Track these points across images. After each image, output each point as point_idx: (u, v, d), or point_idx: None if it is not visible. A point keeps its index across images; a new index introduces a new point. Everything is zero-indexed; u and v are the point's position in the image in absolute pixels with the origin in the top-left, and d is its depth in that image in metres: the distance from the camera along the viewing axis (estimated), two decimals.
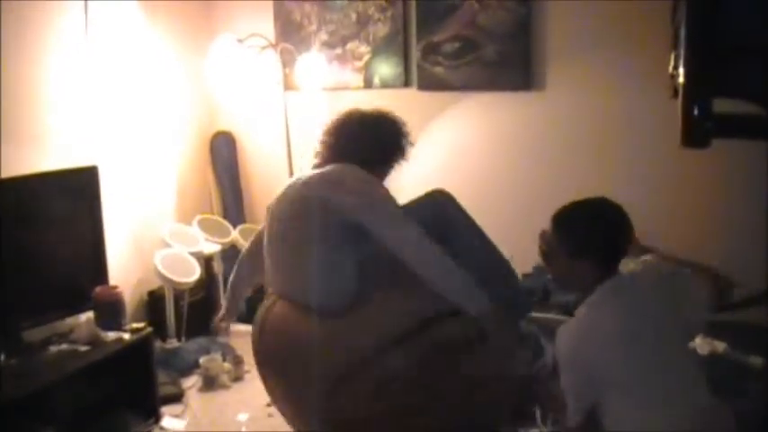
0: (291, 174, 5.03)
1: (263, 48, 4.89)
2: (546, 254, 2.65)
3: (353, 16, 5.00)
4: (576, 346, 2.42)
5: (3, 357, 3.40)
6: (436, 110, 4.89)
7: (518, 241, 4.80)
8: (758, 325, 3.76)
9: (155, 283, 4.67)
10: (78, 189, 3.95)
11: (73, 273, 3.94)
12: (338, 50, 5.08)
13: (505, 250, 4.64)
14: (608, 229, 2.50)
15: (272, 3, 5.24)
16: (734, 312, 3.93)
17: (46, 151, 4.01)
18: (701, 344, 3.34)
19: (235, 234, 5.00)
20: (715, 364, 3.19)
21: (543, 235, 2.66)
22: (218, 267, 4.97)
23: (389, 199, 2.85)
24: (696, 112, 2.04)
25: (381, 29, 4.93)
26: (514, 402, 3.73)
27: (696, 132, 2.15)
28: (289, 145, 5.02)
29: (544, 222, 4.61)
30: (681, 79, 2.05)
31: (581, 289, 2.54)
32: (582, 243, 2.49)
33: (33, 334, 3.64)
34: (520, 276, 4.70)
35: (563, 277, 2.64)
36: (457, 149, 4.91)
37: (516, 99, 4.65)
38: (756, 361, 3.21)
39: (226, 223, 5.11)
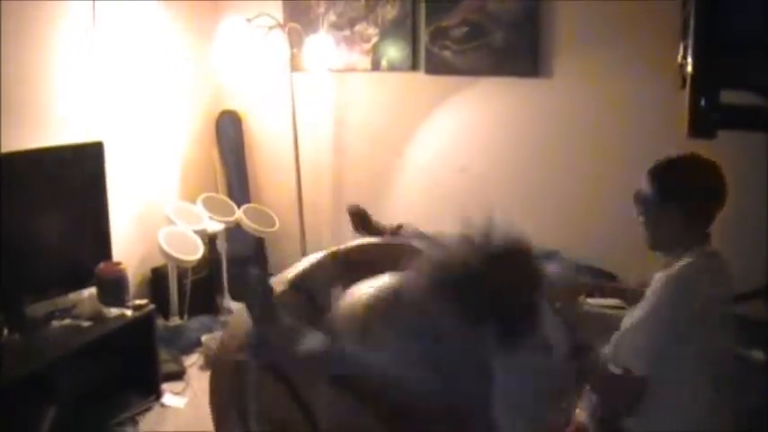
0: (297, 155, 5.04)
1: (271, 28, 4.87)
2: (642, 204, 2.61)
3: None
4: (688, 299, 2.37)
5: (6, 332, 3.42)
6: (443, 94, 4.86)
7: (522, 226, 4.78)
8: (760, 319, 3.77)
9: (158, 261, 4.67)
10: (83, 165, 3.96)
11: (76, 248, 3.95)
12: (346, 32, 5.06)
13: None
14: (715, 182, 2.53)
15: None
16: (736, 306, 3.94)
17: (52, 127, 4.01)
18: None
19: (239, 213, 4.99)
20: None
21: (639, 192, 2.61)
22: (221, 246, 4.97)
23: None
24: (703, 103, 2.03)
25: (390, 11, 4.91)
26: None
27: (703, 123, 2.15)
28: (295, 126, 5.02)
29: (547, 207, 4.63)
30: (689, 69, 2.04)
31: (671, 244, 2.52)
32: (689, 190, 2.52)
33: (36, 309, 3.65)
34: None
35: (656, 228, 2.59)
36: (462, 134, 4.88)
37: (524, 86, 4.62)
38: (758, 355, 3.20)
39: (230, 202, 5.10)
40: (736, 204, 4.20)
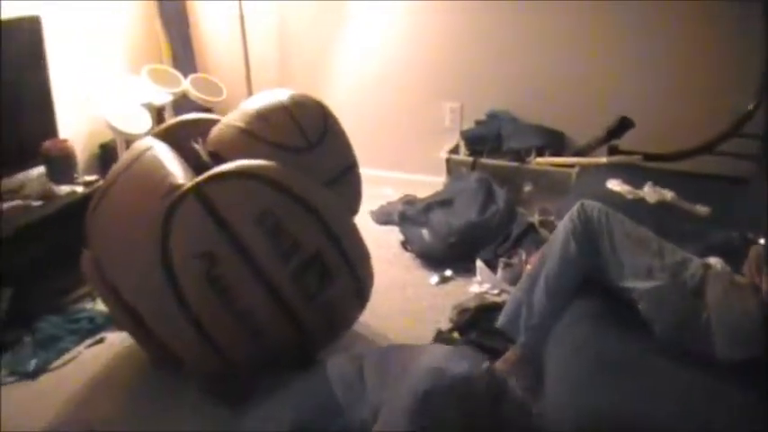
0: (242, 21, 4.95)
1: None
2: None
3: None
4: None
5: None
6: None
7: (470, 89, 4.83)
8: (704, 174, 3.85)
9: (106, 136, 4.61)
10: (21, 40, 3.83)
11: (21, 128, 3.86)
12: None
13: (457, 100, 4.68)
14: None
15: None
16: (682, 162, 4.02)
17: None
18: (649, 192, 3.40)
19: (186, 84, 4.91)
20: (663, 213, 3.26)
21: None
22: (169, 118, 4.90)
23: None
24: None
25: None
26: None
27: None
28: None
29: (501, 70, 4.64)
30: None
31: None
32: None
33: None
34: (473, 123, 4.75)
35: None
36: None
37: None
38: (702, 210, 3.28)
39: (176, 73, 5.00)
40: (682, 63, 4.28)
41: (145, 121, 4.48)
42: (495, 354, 2.84)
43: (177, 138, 3.21)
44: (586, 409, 2.13)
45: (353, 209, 3.35)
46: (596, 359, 2.33)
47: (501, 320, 2.90)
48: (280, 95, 3.24)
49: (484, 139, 4.64)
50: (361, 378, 2.43)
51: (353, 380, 2.43)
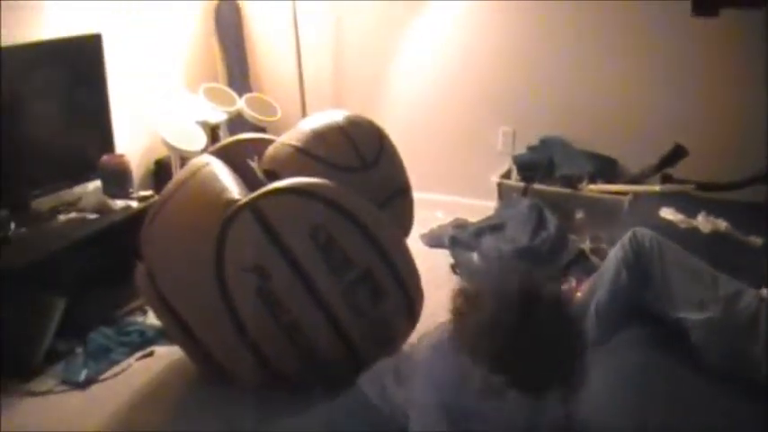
0: (298, 42, 5.00)
1: None
2: None
3: None
4: None
5: (12, 227, 3.45)
6: None
7: (524, 114, 4.82)
8: (759, 204, 3.79)
9: (162, 152, 4.68)
10: (82, 58, 3.92)
11: (79, 142, 3.96)
12: None
13: (510, 125, 4.68)
14: None
15: None
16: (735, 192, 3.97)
17: (48, 19, 3.93)
18: (703, 222, 3.36)
19: (241, 103, 4.96)
20: (716, 242, 3.22)
21: None
22: (224, 136, 4.95)
23: None
24: None
25: None
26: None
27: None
28: (294, 13, 4.96)
29: (552, 95, 4.62)
30: None
31: None
32: None
33: (41, 203, 3.67)
34: (525, 149, 4.74)
35: None
36: (465, 23, 4.85)
37: None
38: (756, 241, 3.23)
39: (231, 92, 5.06)
40: (737, 91, 4.24)
41: (200, 139, 4.53)
42: None
43: (233, 156, 3.27)
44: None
45: (405, 230, 3.36)
46: (641, 385, 2.31)
47: None
48: (335, 116, 3.31)
49: (536, 164, 4.61)
50: (383, 385, 2.43)
51: (380, 387, 2.43)
